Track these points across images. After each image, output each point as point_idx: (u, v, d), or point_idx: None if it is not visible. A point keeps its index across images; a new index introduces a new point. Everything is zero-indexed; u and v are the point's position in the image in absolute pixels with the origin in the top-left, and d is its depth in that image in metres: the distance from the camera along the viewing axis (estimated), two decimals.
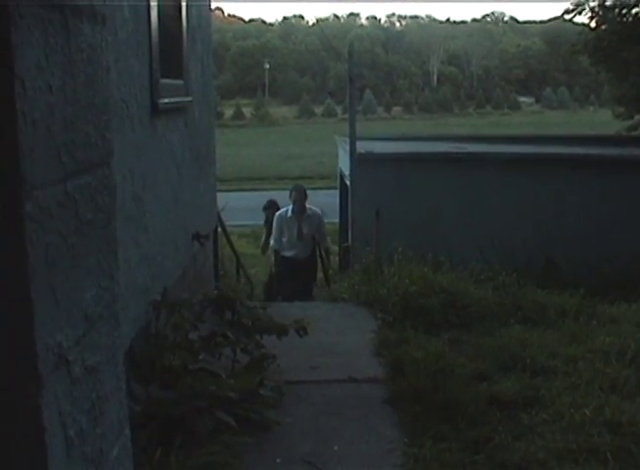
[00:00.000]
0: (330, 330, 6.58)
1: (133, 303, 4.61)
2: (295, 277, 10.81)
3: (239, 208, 20.45)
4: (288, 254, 10.92)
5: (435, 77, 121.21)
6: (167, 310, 5.08)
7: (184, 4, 6.47)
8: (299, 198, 10.88)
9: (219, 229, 10.46)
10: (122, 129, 4.35)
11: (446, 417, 4.73)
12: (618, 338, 6.09)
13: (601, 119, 53.37)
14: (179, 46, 6.39)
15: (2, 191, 1.30)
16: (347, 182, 11.95)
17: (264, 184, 36.62)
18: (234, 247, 12.41)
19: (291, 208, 10.92)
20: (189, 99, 6.68)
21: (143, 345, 4.78)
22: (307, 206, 10.93)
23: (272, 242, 11.26)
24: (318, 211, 11.21)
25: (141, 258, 4.87)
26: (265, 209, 13.25)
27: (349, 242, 10.79)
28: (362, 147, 11.59)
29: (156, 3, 5.24)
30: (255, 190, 32.82)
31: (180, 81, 6.34)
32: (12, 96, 1.27)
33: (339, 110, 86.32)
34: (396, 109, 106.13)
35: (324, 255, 11.50)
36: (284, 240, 10.91)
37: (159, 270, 5.40)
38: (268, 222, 12.52)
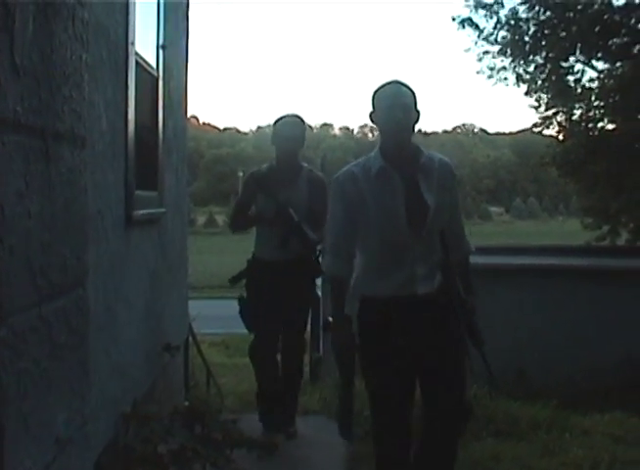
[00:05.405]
0: (300, 444, 6.49)
1: (103, 415, 4.53)
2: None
3: (210, 316, 20.32)
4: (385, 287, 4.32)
5: None
6: (137, 423, 5.01)
7: (161, 115, 6.58)
8: (402, 119, 4.04)
9: (190, 339, 10.34)
10: (97, 241, 4.35)
11: None
12: (591, 450, 6.06)
13: (570, 229, 54.04)
14: (155, 157, 6.46)
15: None
16: (319, 292, 11.89)
17: (236, 292, 36.32)
18: (204, 357, 12.26)
19: (376, 150, 4.17)
20: (163, 210, 6.71)
21: (111, 458, 4.68)
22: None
23: (329, 260, 4.46)
24: (445, 158, 4.35)
25: (112, 369, 4.82)
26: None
27: (321, 352, 10.65)
28: None
29: (133, 116, 5.32)
30: (227, 298, 32.51)
31: (154, 193, 6.38)
32: None
33: None
34: None
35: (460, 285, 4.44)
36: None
37: (129, 382, 5.33)
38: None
